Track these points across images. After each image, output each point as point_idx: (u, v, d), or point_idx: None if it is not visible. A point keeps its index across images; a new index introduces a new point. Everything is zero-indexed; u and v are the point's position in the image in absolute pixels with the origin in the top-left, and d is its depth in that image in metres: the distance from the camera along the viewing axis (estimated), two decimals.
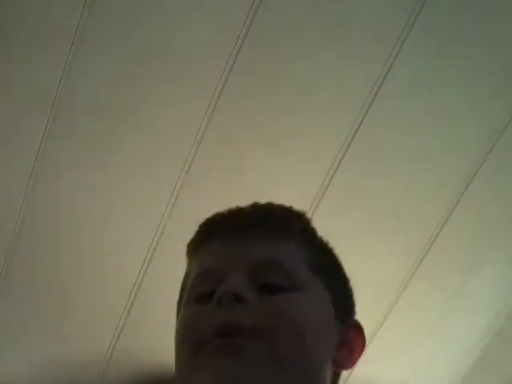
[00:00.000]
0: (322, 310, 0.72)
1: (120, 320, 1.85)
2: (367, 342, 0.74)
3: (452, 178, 1.75)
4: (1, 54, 1.58)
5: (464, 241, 1.82)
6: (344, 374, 0.74)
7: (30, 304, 1.86)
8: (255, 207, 0.79)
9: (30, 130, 1.67)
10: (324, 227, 1.81)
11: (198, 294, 0.72)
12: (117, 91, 1.63)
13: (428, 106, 1.67)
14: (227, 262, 0.72)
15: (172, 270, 1.81)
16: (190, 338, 0.68)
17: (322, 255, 0.77)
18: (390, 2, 1.56)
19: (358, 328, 0.75)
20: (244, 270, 0.70)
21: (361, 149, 1.70)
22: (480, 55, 1.61)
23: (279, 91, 1.64)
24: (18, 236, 1.77)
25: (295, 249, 0.74)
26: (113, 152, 1.70)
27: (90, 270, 1.81)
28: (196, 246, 0.78)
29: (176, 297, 0.81)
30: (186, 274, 0.79)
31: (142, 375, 1.91)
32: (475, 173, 1.73)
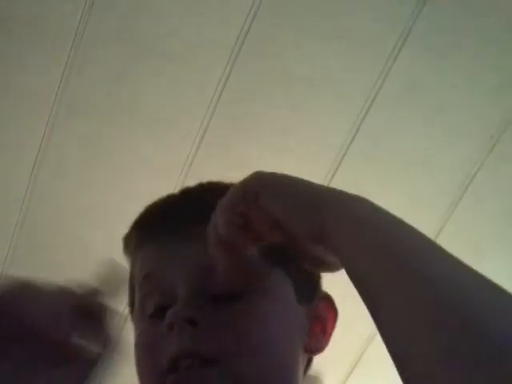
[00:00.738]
0: (282, 307, 0.66)
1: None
2: None
3: (451, 179, 1.75)
4: (1, 54, 1.58)
5: (463, 242, 1.82)
6: None
7: None
8: (186, 195, 0.73)
9: (30, 129, 1.67)
10: None
11: (150, 310, 0.67)
12: (116, 91, 1.63)
13: (428, 106, 1.67)
14: (169, 271, 0.66)
15: None
16: (148, 372, 0.66)
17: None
18: (391, 2, 1.56)
19: (327, 300, 0.70)
20: (190, 281, 0.65)
21: (361, 149, 1.70)
22: (480, 55, 1.61)
23: (280, 91, 1.65)
24: (19, 235, 1.77)
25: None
26: (112, 152, 1.70)
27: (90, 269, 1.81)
28: (133, 247, 0.72)
29: None
30: (131, 275, 0.73)
31: None
32: (475, 174, 1.74)
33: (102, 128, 1.67)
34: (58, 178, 1.72)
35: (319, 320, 0.69)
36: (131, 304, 0.73)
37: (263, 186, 0.59)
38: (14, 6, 1.54)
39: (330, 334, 0.69)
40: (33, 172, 1.70)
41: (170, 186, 1.72)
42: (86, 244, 1.79)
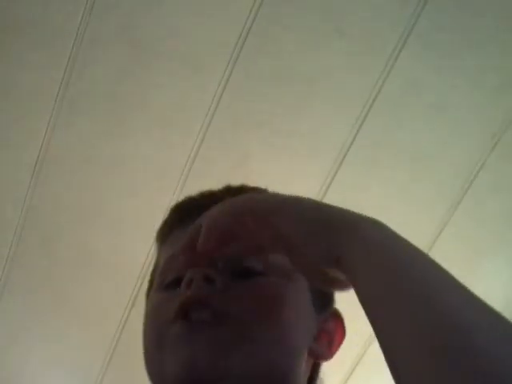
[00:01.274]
0: (299, 298, 0.67)
1: (120, 321, 1.85)
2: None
3: (453, 179, 1.75)
4: (3, 54, 1.58)
5: (464, 242, 1.82)
6: None
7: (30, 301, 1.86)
8: (229, 191, 0.75)
9: (32, 129, 1.67)
10: None
11: (167, 281, 0.68)
12: (118, 91, 1.63)
13: (429, 106, 1.67)
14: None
15: None
16: (155, 323, 0.65)
17: None
18: (392, 2, 1.56)
19: (338, 317, 0.70)
20: (212, 258, 0.65)
21: (362, 149, 1.70)
22: (481, 55, 1.61)
23: (281, 91, 1.64)
24: (20, 235, 1.77)
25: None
26: (113, 151, 1.70)
27: (90, 268, 1.82)
28: (166, 233, 0.74)
29: None
30: (155, 265, 0.75)
31: None
32: (476, 173, 1.73)
33: (103, 128, 1.67)
34: (59, 178, 1.72)
35: (327, 333, 0.69)
36: (150, 289, 0.73)
37: (275, 208, 0.61)
38: (15, 7, 1.54)
39: (335, 350, 0.69)
40: (34, 171, 1.70)
41: (171, 185, 1.72)
42: (86, 243, 1.79)
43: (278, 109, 1.66)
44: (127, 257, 1.78)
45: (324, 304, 0.70)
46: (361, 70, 1.63)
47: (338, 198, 1.75)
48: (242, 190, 0.75)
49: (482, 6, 1.56)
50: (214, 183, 1.68)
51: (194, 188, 1.82)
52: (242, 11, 1.56)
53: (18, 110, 1.65)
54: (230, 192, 0.73)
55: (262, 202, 0.63)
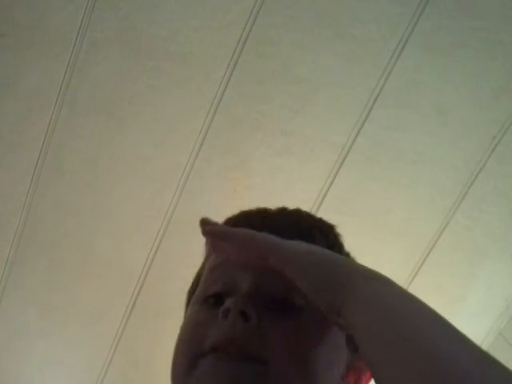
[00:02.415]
0: (334, 339, 0.67)
1: (120, 322, 1.85)
2: None
3: (453, 180, 1.75)
4: (3, 55, 1.58)
5: (465, 243, 1.82)
6: None
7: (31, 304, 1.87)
8: (284, 213, 0.77)
9: (32, 129, 1.67)
10: None
11: (207, 294, 0.69)
12: (118, 92, 1.64)
13: (430, 107, 1.67)
14: (241, 263, 0.68)
15: (173, 270, 1.81)
16: (189, 347, 0.66)
17: None
18: (393, 2, 1.56)
19: (365, 369, 0.71)
20: (257, 281, 0.67)
21: (362, 149, 1.70)
22: (482, 56, 1.61)
23: (281, 92, 1.65)
24: (21, 235, 1.77)
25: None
26: (113, 152, 1.70)
27: (91, 269, 1.82)
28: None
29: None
30: (202, 265, 0.76)
31: None
32: (477, 175, 1.73)
33: (104, 128, 1.68)
34: (60, 179, 1.73)
35: (355, 372, 0.70)
36: (192, 292, 0.75)
37: (286, 259, 0.65)
38: (16, 8, 1.54)
39: None
40: (34, 172, 1.70)
41: (171, 186, 1.72)
42: (87, 243, 1.79)
43: (278, 110, 1.66)
44: (127, 257, 1.78)
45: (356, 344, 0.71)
46: (361, 71, 1.63)
47: (338, 199, 1.75)
48: (297, 216, 0.77)
49: (482, 6, 1.56)
50: (215, 184, 1.69)
51: (194, 188, 1.82)
52: (242, 13, 1.56)
53: (19, 111, 1.65)
54: (285, 215, 0.76)
55: (279, 252, 0.66)
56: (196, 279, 0.76)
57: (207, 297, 0.69)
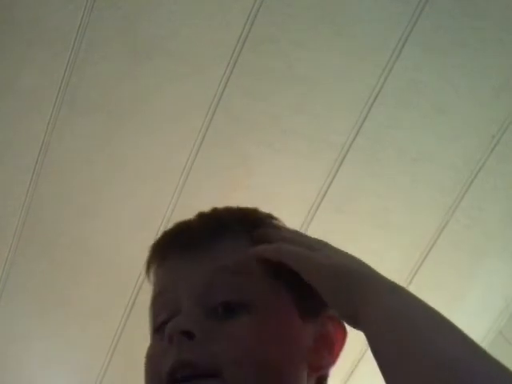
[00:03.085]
0: (284, 323, 0.67)
1: (120, 322, 1.85)
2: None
3: (453, 179, 1.75)
4: (3, 54, 1.58)
5: (465, 242, 1.82)
6: None
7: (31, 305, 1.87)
8: (201, 218, 0.75)
9: (32, 128, 1.67)
10: (325, 228, 1.81)
11: (157, 324, 0.70)
12: (118, 91, 1.63)
13: (429, 106, 1.67)
14: (176, 287, 0.69)
15: None
16: (151, 380, 0.67)
17: None
18: (393, 1, 1.56)
19: (335, 320, 0.70)
20: (192, 295, 0.67)
21: (362, 148, 1.70)
22: (481, 55, 1.61)
23: (281, 90, 1.64)
24: (20, 234, 1.77)
25: (246, 254, 0.69)
26: (113, 151, 1.70)
27: (90, 268, 1.82)
28: (150, 271, 0.75)
29: None
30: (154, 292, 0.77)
31: None
32: (476, 174, 1.73)
33: (104, 127, 1.67)
34: (59, 178, 1.72)
35: (326, 339, 0.70)
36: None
37: (309, 271, 0.66)
38: (15, 6, 1.54)
39: (338, 355, 0.70)
40: (34, 172, 1.70)
41: (171, 185, 1.72)
42: (86, 243, 1.79)
43: (277, 109, 1.66)
44: (127, 257, 1.78)
45: (313, 312, 0.70)
46: (361, 70, 1.63)
47: (337, 198, 1.75)
48: (214, 216, 0.75)
49: (482, 6, 1.56)
50: (214, 183, 1.69)
51: (193, 188, 1.82)
52: (242, 12, 1.56)
53: (18, 110, 1.65)
54: (203, 220, 0.75)
55: (304, 263, 0.67)
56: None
57: (157, 327, 0.69)
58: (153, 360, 0.67)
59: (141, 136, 1.69)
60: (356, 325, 0.61)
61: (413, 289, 1.98)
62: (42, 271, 1.82)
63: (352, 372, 1.94)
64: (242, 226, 0.72)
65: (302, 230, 1.72)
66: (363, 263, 0.65)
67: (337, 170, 1.72)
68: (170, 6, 1.55)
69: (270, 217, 0.75)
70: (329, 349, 0.69)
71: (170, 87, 1.63)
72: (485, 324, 1.92)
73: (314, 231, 1.74)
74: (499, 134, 1.69)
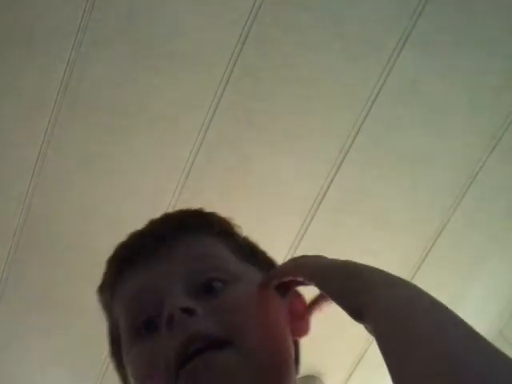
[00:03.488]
0: (265, 290, 0.71)
1: None
2: None
3: (453, 179, 1.75)
4: (3, 54, 1.58)
5: (465, 242, 1.82)
6: None
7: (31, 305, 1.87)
8: (166, 216, 0.80)
9: (32, 129, 1.67)
10: (325, 228, 1.81)
11: (139, 330, 0.67)
12: (118, 91, 1.64)
13: (429, 106, 1.67)
14: (157, 283, 0.69)
15: None
16: (156, 375, 0.64)
17: (244, 243, 0.76)
18: (393, 2, 1.56)
19: (298, 295, 0.74)
20: (177, 282, 0.68)
21: (362, 149, 1.70)
22: (481, 55, 1.61)
23: (281, 90, 1.65)
24: (20, 234, 1.77)
25: (217, 244, 0.73)
26: (114, 151, 1.70)
27: (90, 267, 1.82)
28: (115, 285, 0.75)
29: None
30: (113, 323, 0.76)
31: None
32: (476, 174, 1.73)
33: (104, 127, 1.68)
34: (59, 178, 1.72)
35: (295, 312, 0.73)
36: (115, 350, 0.74)
37: (311, 275, 0.68)
38: (16, 7, 1.54)
39: (308, 323, 0.72)
40: (34, 172, 1.70)
41: (171, 184, 1.72)
42: (86, 243, 1.79)
43: (277, 109, 1.66)
44: None
45: (285, 288, 0.73)
46: (361, 70, 1.63)
47: (337, 198, 1.75)
48: (179, 213, 0.80)
49: (481, 6, 1.56)
50: (214, 183, 1.69)
51: (193, 187, 1.81)
52: (243, 12, 1.56)
53: (18, 110, 1.65)
54: (169, 217, 0.79)
55: (305, 270, 0.69)
56: (112, 338, 0.76)
57: (140, 332, 0.67)
58: (153, 353, 0.65)
59: (141, 136, 1.69)
60: (361, 319, 0.61)
61: None
62: (42, 270, 1.82)
63: (352, 372, 1.94)
64: (197, 221, 0.76)
65: (302, 230, 1.72)
66: (354, 261, 0.67)
67: (337, 171, 1.72)
68: (171, 6, 1.56)
69: (213, 213, 0.79)
70: (300, 321, 0.72)
71: (171, 87, 1.63)
72: (485, 324, 1.92)
73: (314, 231, 1.74)
74: (499, 135, 1.69)
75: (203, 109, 1.65)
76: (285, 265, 0.72)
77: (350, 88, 1.65)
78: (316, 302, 0.72)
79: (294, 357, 0.69)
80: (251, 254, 0.75)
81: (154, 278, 0.70)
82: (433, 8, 1.55)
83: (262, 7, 1.55)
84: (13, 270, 1.81)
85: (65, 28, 1.56)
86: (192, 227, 0.75)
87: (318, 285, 0.67)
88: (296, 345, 0.72)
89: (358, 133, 1.68)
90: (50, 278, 1.83)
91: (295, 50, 1.60)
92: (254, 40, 1.58)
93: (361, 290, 0.62)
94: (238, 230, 0.78)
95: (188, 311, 0.64)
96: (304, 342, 0.74)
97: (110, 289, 0.76)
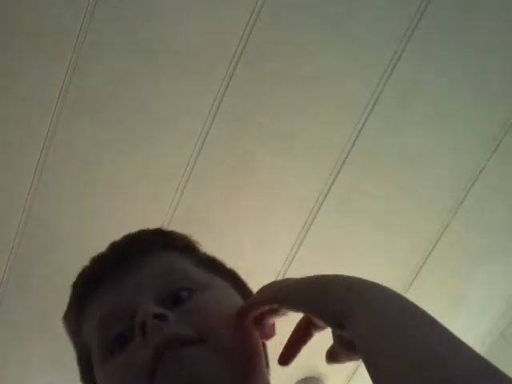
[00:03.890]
0: (234, 298, 0.74)
1: None
2: None
3: (454, 180, 1.75)
4: (5, 56, 1.58)
5: (466, 243, 1.82)
6: None
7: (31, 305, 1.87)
8: (128, 237, 0.82)
9: (33, 130, 1.67)
10: (325, 229, 1.81)
11: (112, 346, 0.69)
12: (119, 92, 1.63)
13: (431, 107, 1.67)
14: (127, 298, 0.71)
15: None
16: (132, 382, 0.66)
17: (205, 257, 0.80)
18: (395, 2, 1.56)
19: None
20: (146, 294, 0.70)
21: (363, 149, 1.70)
22: (483, 56, 1.61)
23: (282, 91, 1.64)
24: (21, 236, 1.77)
25: (182, 259, 0.76)
26: (115, 152, 1.70)
27: None
28: (83, 307, 0.77)
29: None
30: (82, 346, 0.78)
31: None
32: (478, 175, 1.73)
33: (105, 129, 1.67)
34: (61, 179, 1.72)
35: (260, 317, 0.74)
36: (86, 375, 0.78)
37: (283, 298, 0.69)
38: (17, 8, 1.54)
39: (273, 327, 0.74)
40: (35, 174, 1.70)
41: (172, 185, 1.72)
42: (87, 246, 1.79)
43: (279, 110, 1.66)
44: None
45: (247, 294, 0.77)
46: (362, 71, 1.63)
47: (339, 199, 1.75)
48: (142, 233, 0.82)
49: (483, 7, 1.56)
50: (215, 184, 1.68)
51: (194, 189, 1.81)
52: (243, 13, 1.56)
53: (20, 112, 1.65)
54: (132, 237, 0.82)
55: (276, 291, 0.71)
56: (82, 362, 0.80)
57: (113, 347, 0.69)
58: (129, 363, 0.66)
59: (142, 137, 1.69)
60: (342, 329, 0.62)
61: (414, 290, 1.98)
62: (42, 272, 1.82)
63: (353, 374, 1.94)
64: (159, 239, 0.79)
65: (303, 231, 1.72)
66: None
67: (338, 171, 1.72)
68: (171, 7, 1.56)
69: (172, 231, 0.83)
70: (263, 325, 0.73)
71: (171, 88, 1.63)
72: (486, 325, 1.92)
73: (315, 232, 1.74)
74: (501, 135, 1.69)
75: (204, 109, 1.65)
76: (261, 293, 0.73)
77: (351, 88, 1.65)
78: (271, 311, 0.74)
79: (264, 357, 0.72)
80: (213, 266, 0.79)
81: (122, 294, 0.72)
82: (434, 9, 1.55)
83: (263, 8, 1.55)
84: (13, 272, 1.81)
85: (66, 29, 1.56)
86: (155, 244, 0.78)
87: (294, 304, 0.68)
88: (264, 347, 0.74)
89: (359, 133, 1.68)
90: (50, 279, 1.83)
91: (296, 50, 1.60)
92: (254, 41, 1.58)
93: (335, 303, 0.63)
94: (198, 245, 0.81)
95: (160, 317, 0.66)
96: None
97: (77, 312, 0.78)
